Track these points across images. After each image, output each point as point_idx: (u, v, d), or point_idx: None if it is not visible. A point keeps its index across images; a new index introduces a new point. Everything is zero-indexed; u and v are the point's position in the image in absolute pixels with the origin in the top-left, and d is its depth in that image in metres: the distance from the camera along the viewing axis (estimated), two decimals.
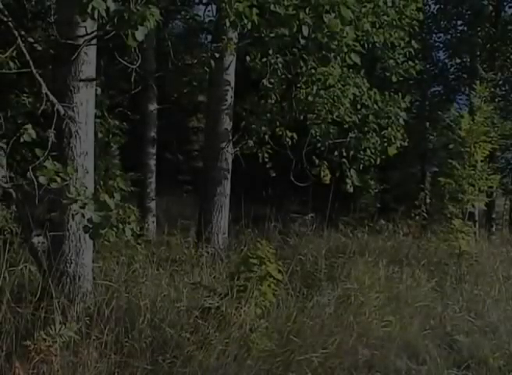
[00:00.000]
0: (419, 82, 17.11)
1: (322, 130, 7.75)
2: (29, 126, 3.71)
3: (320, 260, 6.18)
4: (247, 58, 7.30)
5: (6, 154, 3.69)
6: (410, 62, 8.28)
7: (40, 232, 4.76)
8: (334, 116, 7.56)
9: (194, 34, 9.01)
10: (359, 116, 7.76)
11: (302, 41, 5.56)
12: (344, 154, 7.87)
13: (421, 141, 16.76)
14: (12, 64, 4.63)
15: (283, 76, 7.38)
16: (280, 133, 7.72)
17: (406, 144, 8.20)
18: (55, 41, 4.28)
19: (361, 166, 8.06)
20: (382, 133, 7.86)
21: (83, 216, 3.51)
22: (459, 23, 16.89)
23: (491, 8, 15.64)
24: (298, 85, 7.50)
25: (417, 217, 9.57)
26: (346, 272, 5.81)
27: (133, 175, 8.53)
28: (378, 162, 8.06)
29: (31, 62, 4.00)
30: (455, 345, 5.14)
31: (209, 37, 8.72)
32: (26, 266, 4.36)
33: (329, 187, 7.53)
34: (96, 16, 3.45)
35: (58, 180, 3.49)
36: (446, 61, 17.38)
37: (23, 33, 4.15)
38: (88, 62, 4.38)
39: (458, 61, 17.30)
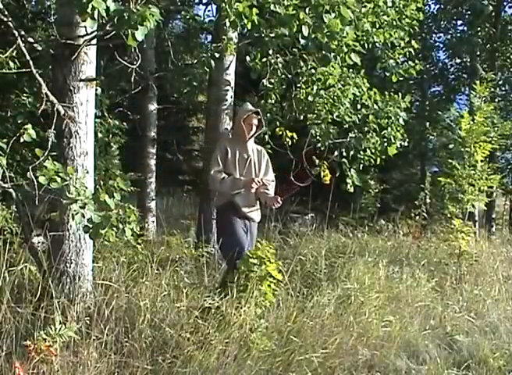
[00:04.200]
0: (419, 82, 17.18)
1: (322, 130, 7.73)
2: (29, 126, 3.71)
3: (320, 260, 6.17)
4: (247, 58, 7.30)
5: (6, 154, 3.68)
6: (410, 62, 8.25)
7: (40, 232, 4.76)
8: (334, 116, 7.55)
9: (194, 34, 9.00)
10: (359, 116, 7.74)
11: (302, 41, 5.53)
12: (344, 154, 7.85)
13: (421, 141, 16.81)
14: (12, 64, 4.64)
15: (283, 76, 7.37)
16: (280, 133, 7.71)
17: (406, 144, 8.19)
18: (55, 41, 4.28)
19: (361, 166, 8.04)
20: (382, 133, 7.84)
21: (83, 216, 3.51)
22: (459, 23, 16.97)
23: (491, 8, 15.66)
24: (298, 85, 7.49)
25: (417, 217, 9.56)
26: (346, 272, 5.80)
27: (133, 175, 8.53)
28: (378, 162, 8.04)
29: (31, 62, 4.00)
30: (455, 345, 5.14)
31: (209, 37, 8.71)
32: (26, 266, 4.35)
33: (329, 187, 7.52)
34: (96, 15, 3.45)
35: (58, 180, 3.49)
36: (446, 61, 17.45)
37: (23, 33, 4.15)
38: (88, 62, 4.38)
39: (458, 61, 17.37)
